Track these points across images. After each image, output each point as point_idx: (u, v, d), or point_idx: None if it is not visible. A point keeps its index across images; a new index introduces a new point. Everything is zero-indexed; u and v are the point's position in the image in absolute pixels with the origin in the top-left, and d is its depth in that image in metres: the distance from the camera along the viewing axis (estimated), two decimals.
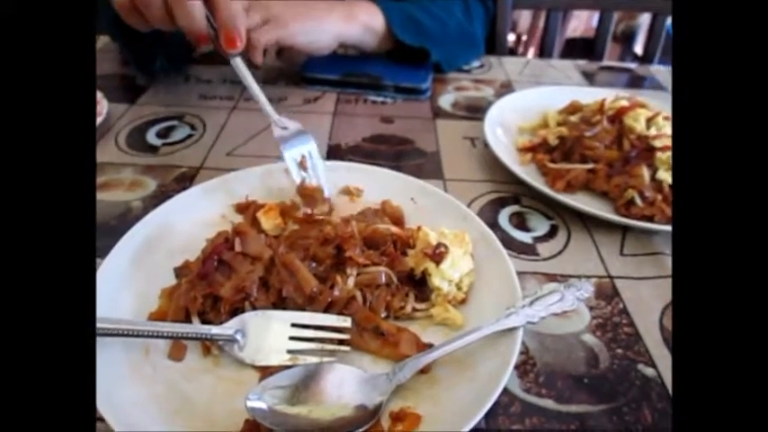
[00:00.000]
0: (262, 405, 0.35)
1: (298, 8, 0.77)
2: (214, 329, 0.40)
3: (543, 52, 1.14)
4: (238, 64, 0.54)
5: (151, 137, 0.69)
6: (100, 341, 0.37)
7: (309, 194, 0.51)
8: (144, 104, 0.77)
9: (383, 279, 0.43)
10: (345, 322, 0.40)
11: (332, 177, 0.56)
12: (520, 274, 0.49)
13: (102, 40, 0.97)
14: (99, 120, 0.68)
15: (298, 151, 0.53)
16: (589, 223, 0.57)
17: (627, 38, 2.21)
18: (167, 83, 0.83)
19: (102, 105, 0.71)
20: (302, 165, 0.53)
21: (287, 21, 0.74)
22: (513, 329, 0.40)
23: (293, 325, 0.41)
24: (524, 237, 0.55)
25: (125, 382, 0.37)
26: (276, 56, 0.91)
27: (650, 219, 0.55)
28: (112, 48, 0.91)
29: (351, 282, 0.43)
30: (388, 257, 0.45)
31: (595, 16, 1.14)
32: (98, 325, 0.37)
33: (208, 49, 0.92)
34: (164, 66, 0.85)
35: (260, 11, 0.74)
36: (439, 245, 0.44)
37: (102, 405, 0.34)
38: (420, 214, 0.53)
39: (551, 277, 0.50)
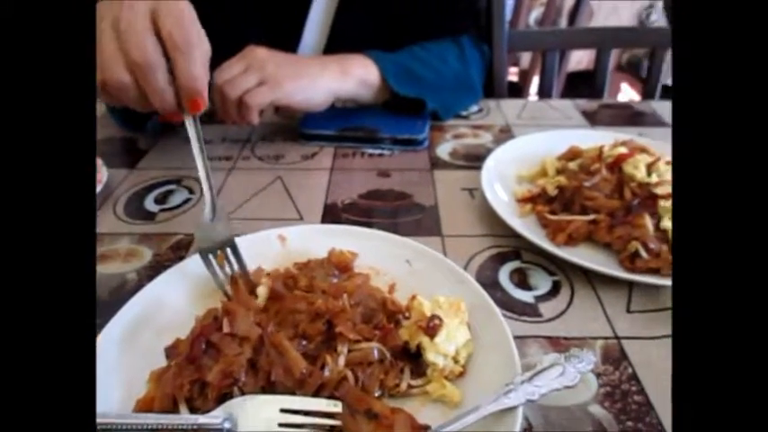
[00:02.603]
0: None
1: (292, 67, 0.77)
2: (201, 419, 0.38)
3: (543, 92, 1.14)
4: (191, 123, 0.53)
5: (149, 203, 0.69)
6: None
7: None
8: (143, 169, 0.78)
9: (376, 355, 0.42)
10: (336, 407, 0.39)
11: (325, 241, 0.55)
12: (521, 338, 0.48)
13: (102, 107, 0.99)
14: (99, 188, 0.69)
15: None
16: (593, 278, 0.55)
17: (633, 66, 2.21)
18: (167, 145, 0.84)
19: (102, 173, 0.71)
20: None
21: (282, 81, 0.75)
22: (513, 408, 0.38)
23: (282, 410, 0.39)
24: (526, 296, 0.53)
25: None
26: (274, 111, 0.92)
27: (657, 272, 0.53)
28: None
29: (341, 361, 0.41)
30: (380, 331, 0.44)
31: None
32: None
33: (206, 108, 0.94)
34: (155, 126, 0.86)
35: (256, 72, 0.75)
36: (433, 317, 0.42)
37: None
38: (415, 278, 0.51)
39: (554, 341, 0.48)
